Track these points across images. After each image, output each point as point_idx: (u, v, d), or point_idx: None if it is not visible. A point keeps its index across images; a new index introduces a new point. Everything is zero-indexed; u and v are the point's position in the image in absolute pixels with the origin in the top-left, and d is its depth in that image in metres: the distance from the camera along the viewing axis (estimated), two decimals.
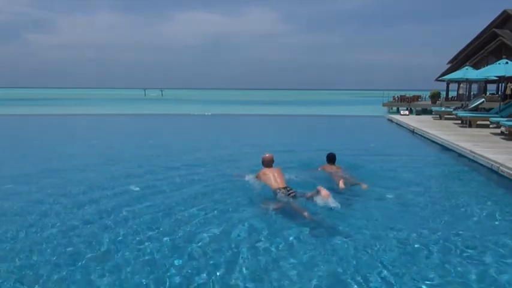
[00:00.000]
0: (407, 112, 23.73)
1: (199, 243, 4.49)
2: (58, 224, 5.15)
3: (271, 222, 5.16)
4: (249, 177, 6.73)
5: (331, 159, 7.54)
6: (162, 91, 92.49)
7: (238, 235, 4.76)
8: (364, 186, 6.64)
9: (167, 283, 3.68)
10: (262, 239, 4.63)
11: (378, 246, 4.43)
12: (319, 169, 7.55)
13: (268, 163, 6.58)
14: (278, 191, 5.83)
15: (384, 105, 33.89)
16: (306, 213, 5.22)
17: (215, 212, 5.52)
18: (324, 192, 5.19)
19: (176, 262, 4.08)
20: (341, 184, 6.33)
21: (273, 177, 6.09)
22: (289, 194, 5.69)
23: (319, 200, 5.21)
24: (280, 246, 4.42)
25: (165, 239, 4.63)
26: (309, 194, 5.47)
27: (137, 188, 6.75)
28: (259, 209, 5.65)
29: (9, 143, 13.12)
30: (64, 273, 3.86)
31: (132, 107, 40.44)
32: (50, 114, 27.07)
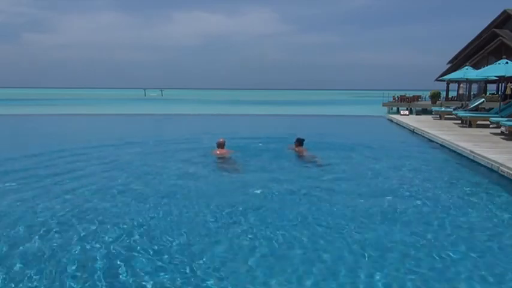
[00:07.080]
0: (407, 112, 23.71)
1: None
2: None
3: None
4: (212, 152, 9.49)
5: (300, 142, 9.61)
6: (162, 91, 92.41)
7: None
8: (319, 161, 8.79)
9: None
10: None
11: None
12: (290, 149, 9.79)
13: (220, 145, 9.30)
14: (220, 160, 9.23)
15: (384, 105, 33.84)
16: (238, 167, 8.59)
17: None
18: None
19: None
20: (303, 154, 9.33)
21: (221, 154, 9.30)
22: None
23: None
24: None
25: None
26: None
27: None
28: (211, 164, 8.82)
29: None
30: None
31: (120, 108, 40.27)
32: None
